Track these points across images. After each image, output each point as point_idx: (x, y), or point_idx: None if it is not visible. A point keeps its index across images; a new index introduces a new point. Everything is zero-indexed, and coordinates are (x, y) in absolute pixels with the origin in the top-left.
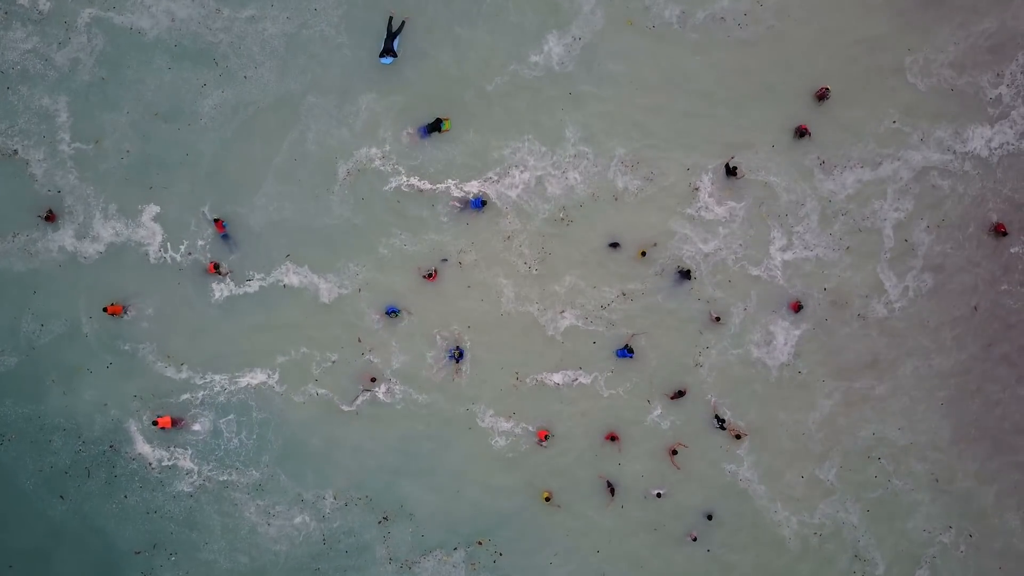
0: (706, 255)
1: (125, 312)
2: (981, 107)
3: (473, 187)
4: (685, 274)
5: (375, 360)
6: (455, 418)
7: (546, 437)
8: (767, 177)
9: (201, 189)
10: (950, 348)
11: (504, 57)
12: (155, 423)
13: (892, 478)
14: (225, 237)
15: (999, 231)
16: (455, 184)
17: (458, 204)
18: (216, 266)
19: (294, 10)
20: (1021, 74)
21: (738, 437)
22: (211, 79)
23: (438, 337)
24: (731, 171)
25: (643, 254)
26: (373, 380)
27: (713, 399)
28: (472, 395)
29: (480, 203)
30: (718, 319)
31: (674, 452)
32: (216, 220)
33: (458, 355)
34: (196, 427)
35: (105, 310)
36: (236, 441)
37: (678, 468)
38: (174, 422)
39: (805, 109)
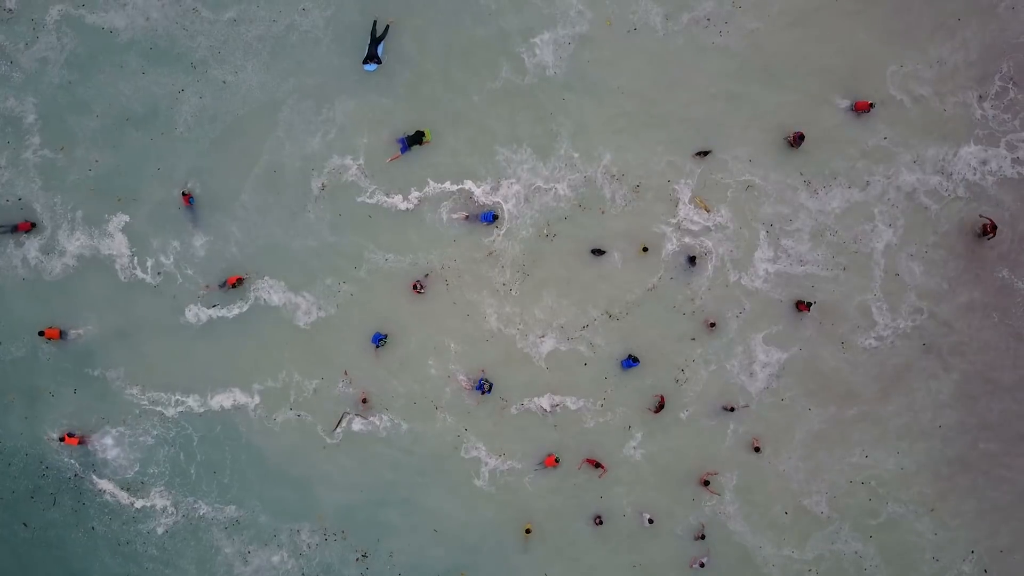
0: (700, 256)
1: (63, 336)
2: (970, 127)
3: (480, 196)
4: (692, 260)
5: (351, 390)
6: (439, 449)
7: (556, 461)
8: (753, 179)
9: (174, 203)
10: (942, 375)
11: (492, 64)
12: (62, 440)
13: (888, 502)
14: (190, 210)
15: (986, 231)
16: (461, 188)
17: (467, 213)
18: (237, 280)
19: (279, 12)
20: (1013, 88)
21: (757, 450)
22: (188, 84)
23: (451, 367)
24: (703, 155)
25: (644, 250)
26: (364, 401)
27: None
28: (458, 423)
29: (492, 217)
30: (713, 325)
31: (706, 483)
32: (184, 193)
33: (488, 387)
34: (104, 445)
35: (42, 334)
36: (210, 473)
37: (717, 494)
38: (80, 440)
39: (792, 116)
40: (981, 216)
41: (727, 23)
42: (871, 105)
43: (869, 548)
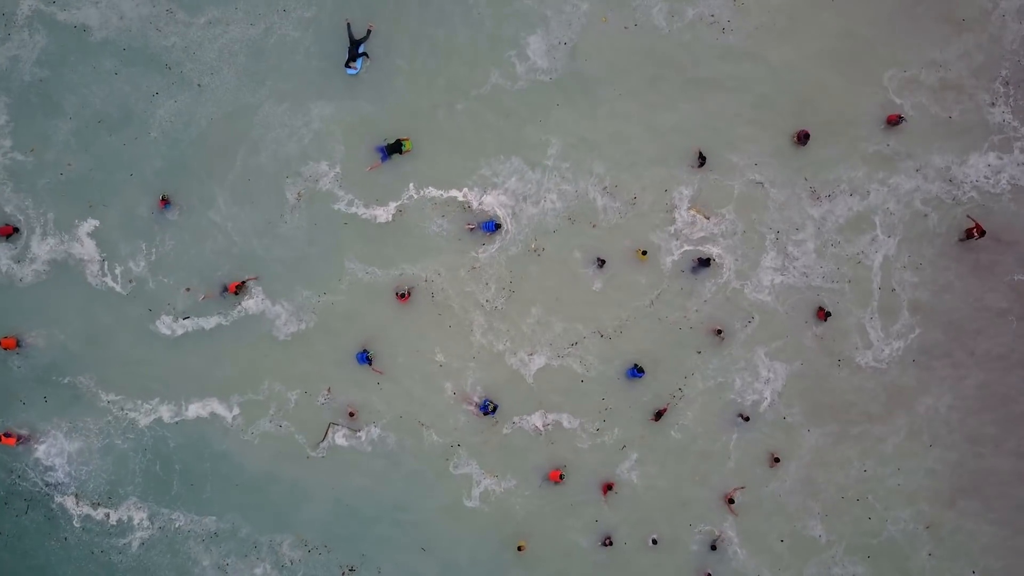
0: (714, 261)
1: (20, 345)
2: (985, 133)
3: (486, 203)
4: (704, 262)
5: (324, 403)
6: (428, 465)
7: (560, 477)
8: (760, 180)
9: (147, 208)
10: (944, 390)
11: (480, 69)
12: None
13: (887, 520)
14: (165, 213)
15: (972, 235)
16: (465, 194)
17: (472, 224)
18: (239, 286)
19: (258, 14)
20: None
21: (777, 460)
22: (162, 86)
23: (449, 384)
24: (702, 159)
25: (644, 253)
26: (352, 415)
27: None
28: (446, 439)
29: (493, 226)
30: (720, 332)
31: (731, 500)
32: (163, 197)
33: (493, 408)
34: (41, 445)
35: None
36: (187, 484)
37: (736, 515)
38: (18, 439)
39: (792, 118)
40: (969, 218)
41: (730, 21)
42: (900, 118)
43: (868, 570)
